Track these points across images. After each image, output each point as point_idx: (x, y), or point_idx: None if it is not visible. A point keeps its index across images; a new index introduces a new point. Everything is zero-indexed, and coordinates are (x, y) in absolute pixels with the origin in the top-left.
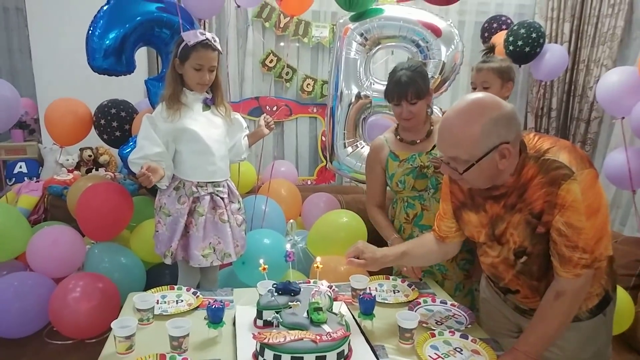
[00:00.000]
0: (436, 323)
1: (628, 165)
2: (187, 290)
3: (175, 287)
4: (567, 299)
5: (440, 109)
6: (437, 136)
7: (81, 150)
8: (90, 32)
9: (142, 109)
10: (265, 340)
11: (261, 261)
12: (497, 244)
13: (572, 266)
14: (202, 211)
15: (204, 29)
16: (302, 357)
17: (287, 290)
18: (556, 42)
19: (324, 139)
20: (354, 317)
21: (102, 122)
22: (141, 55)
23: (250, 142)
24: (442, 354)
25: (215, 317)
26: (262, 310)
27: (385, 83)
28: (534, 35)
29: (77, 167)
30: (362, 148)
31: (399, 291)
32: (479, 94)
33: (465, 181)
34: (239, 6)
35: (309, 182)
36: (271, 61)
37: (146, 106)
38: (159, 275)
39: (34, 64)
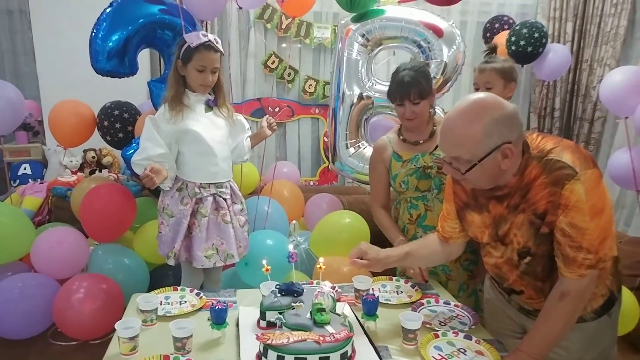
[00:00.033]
0: (440, 324)
1: (632, 165)
2: (191, 291)
3: (179, 288)
4: (572, 299)
5: (443, 110)
6: (439, 136)
7: (85, 151)
8: (93, 34)
9: (144, 111)
10: (269, 341)
11: (264, 262)
12: (501, 245)
13: (576, 267)
14: (205, 212)
15: (206, 30)
16: (306, 358)
17: (290, 291)
18: (559, 42)
19: (326, 139)
20: (357, 318)
21: (105, 123)
22: (144, 57)
23: (253, 144)
24: (445, 355)
25: (218, 318)
26: (266, 311)
27: (387, 84)
28: (536, 35)
29: (81, 168)
30: (364, 149)
31: (402, 292)
32: (480, 94)
33: (467, 181)
34: (240, 8)
35: (311, 183)
36: (273, 62)
37: (149, 108)
38: (163, 276)
39: (38, 66)
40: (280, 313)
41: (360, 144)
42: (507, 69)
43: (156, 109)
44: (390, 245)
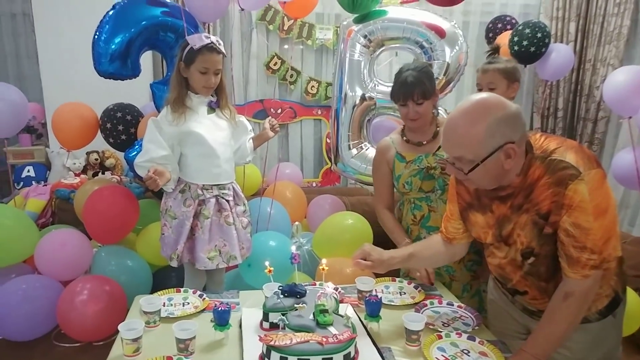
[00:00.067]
0: (443, 325)
1: (636, 165)
2: (194, 292)
3: (182, 289)
4: (576, 300)
5: (445, 110)
6: (442, 136)
7: (88, 154)
8: (96, 36)
9: (147, 113)
10: (272, 343)
11: (267, 263)
12: (504, 245)
13: (580, 267)
14: (208, 214)
15: (209, 32)
16: (309, 359)
17: (293, 292)
18: (562, 42)
19: (328, 141)
20: (360, 319)
21: (108, 125)
22: (146, 59)
23: (255, 145)
24: (449, 356)
25: (221, 319)
26: (268, 313)
27: (390, 85)
28: (539, 35)
29: (84, 170)
30: (366, 150)
31: (405, 293)
32: (483, 94)
33: (470, 181)
34: (242, 9)
35: (313, 184)
36: (275, 64)
37: (151, 110)
38: (165, 278)
39: (41, 69)
40: (283, 314)
41: (362, 145)
42: (510, 69)
43: (159, 111)
44: (394, 247)
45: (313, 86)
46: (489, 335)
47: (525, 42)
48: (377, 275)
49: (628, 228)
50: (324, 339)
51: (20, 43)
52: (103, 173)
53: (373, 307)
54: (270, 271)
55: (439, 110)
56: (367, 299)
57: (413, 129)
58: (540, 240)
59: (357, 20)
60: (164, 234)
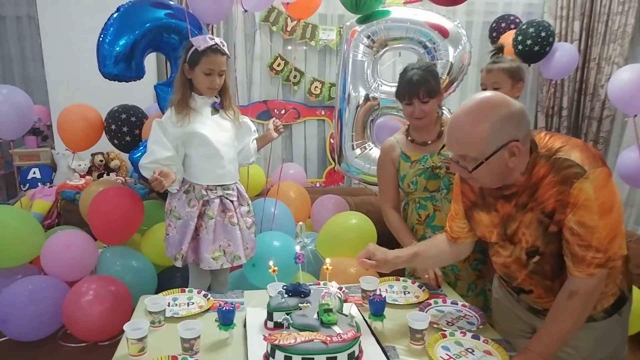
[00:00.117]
0: (447, 324)
1: None
2: (198, 292)
3: (186, 289)
4: (581, 298)
5: (449, 110)
6: (446, 134)
7: (93, 155)
8: (100, 39)
9: (151, 114)
10: (276, 342)
11: (271, 263)
12: (509, 244)
13: (585, 265)
14: (212, 214)
15: (212, 34)
16: (313, 359)
17: (297, 291)
18: (566, 41)
19: (332, 141)
20: (364, 319)
21: (113, 127)
22: (150, 61)
23: (259, 146)
24: (453, 355)
25: (226, 319)
26: (273, 312)
27: (393, 85)
28: (543, 34)
29: (89, 172)
30: (370, 150)
31: (409, 292)
32: (487, 93)
33: (475, 180)
34: (246, 11)
35: (317, 185)
36: (279, 65)
37: (156, 111)
38: (170, 278)
39: (47, 72)
40: (287, 314)
41: (366, 145)
42: (514, 68)
43: (163, 112)
44: (398, 247)
45: (316, 87)
46: (493, 334)
47: (529, 42)
48: (381, 275)
49: (633, 227)
50: (328, 338)
51: (25, 46)
52: (108, 174)
53: (377, 307)
54: (274, 271)
55: (443, 111)
56: (371, 298)
57: (418, 128)
58: (545, 239)
59: (361, 21)
60: (168, 234)
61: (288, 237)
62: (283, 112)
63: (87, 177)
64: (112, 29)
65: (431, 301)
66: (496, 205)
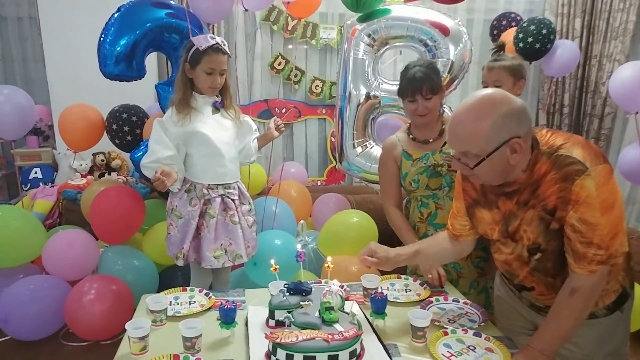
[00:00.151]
0: (449, 321)
1: None
2: (200, 291)
3: (188, 288)
4: (582, 295)
5: (450, 108)
6: (448, 131)
7: (94, 155)
8: (101, 39)
9: (152, 114)
10: (278, 340)
11: (272, 262)
12: (511, 241)
13: (586, 262)
14: (213, 213)
15: (213, 33)
16: (315, 357)
17: (299, 290)
18: (567, 38)
19: (333, 139)
20: (365, 317)
21: (114, 127)
22: (151, 61)
23: (260, 145)
24: (455, 352)
25: (227, 317)
26: (274, 310)
27: (394, 83)
28: (544, 31)
29: (91, 171)
30: (371, 148)
31: (410, 290)
32: (488, 90)
33: (476, 177)
34: (246, 10)
35: (318, 183)
36: (280, 64)
37: (157, 110)
38: (172, 277)
39: (48, 72)
40: (289, 312)
41: (367, 143)
42: (516, 66)
43: (164, 112)
44: (400, 245)
45: (317, 85)
46: (495, 331)
47: (530, 39)
48: (382, 273)
49: (635, 224)
50: (330, 336)
51: (27, 46)
52: (109, 174)
53: (379, 304)
54: (275, 269)
55: (444, 109)
56: (373, 296)
57: (420, 125)
58: (546, 236)
59: (361, 19)
60: (170, 233)
61: (289, 235)
62: (284, 111)
63: (89, 176)
64: (113, 29)
65: (433, 299)
66: (498, 202)
